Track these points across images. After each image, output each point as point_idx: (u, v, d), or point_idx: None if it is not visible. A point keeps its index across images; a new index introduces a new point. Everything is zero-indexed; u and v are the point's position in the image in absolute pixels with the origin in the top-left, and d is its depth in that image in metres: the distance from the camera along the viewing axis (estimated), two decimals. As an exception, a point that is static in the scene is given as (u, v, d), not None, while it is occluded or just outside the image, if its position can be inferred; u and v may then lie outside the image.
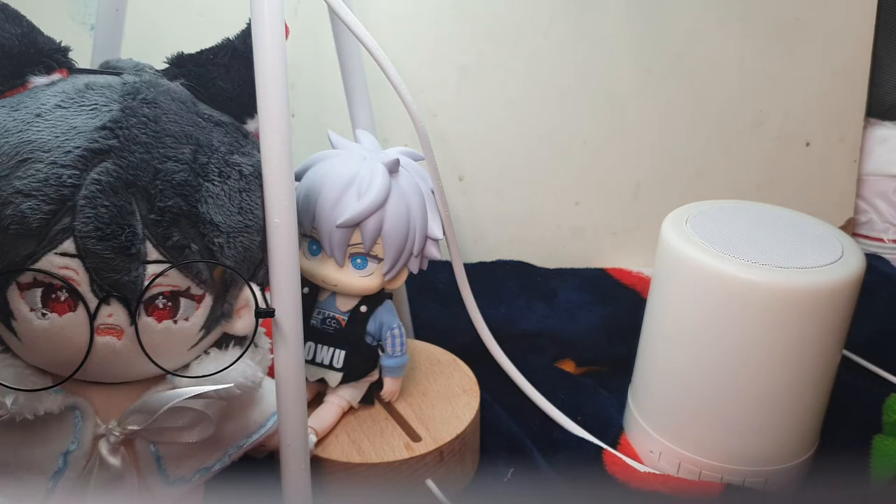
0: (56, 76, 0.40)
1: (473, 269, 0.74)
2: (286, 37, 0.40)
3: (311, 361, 0.54)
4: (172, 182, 0.37)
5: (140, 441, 0.41)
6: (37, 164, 0.35)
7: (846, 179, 0.85)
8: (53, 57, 0.40)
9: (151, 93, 0.39)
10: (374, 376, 0.55)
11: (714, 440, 0.54)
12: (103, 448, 0.40)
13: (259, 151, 0.41)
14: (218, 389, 0.40)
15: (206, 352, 0.42)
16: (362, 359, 0.54)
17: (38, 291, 0.36)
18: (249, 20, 0.40)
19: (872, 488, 0.55)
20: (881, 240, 0.86)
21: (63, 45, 0.41)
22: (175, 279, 0.38)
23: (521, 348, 0.69)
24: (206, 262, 0.39)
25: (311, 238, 0.52)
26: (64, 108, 0.37)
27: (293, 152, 0.41)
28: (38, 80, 0.40)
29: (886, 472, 0.56)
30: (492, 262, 0.78)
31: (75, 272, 0.36)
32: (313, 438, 0.50)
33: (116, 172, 0.36)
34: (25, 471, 0.39)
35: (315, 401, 0.55)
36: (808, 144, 0.82)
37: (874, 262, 0.80)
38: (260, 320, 0.42)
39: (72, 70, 0.41)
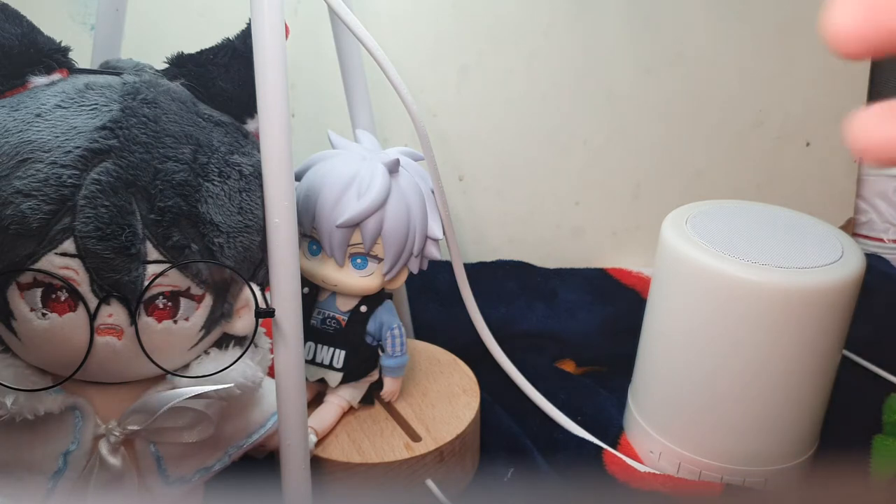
0: (56, 76, 0.40)
1: (473, 269, 0.74)
2: (286, 37, 0.40)
3: (311, 361, 0.54)
4: (172, 182, 0.37)
5: (140, 441, 0.41)
6: (37, 164, 0.35)
7: (846, 179, 0.85)
8: (53, 57, 0.40)
9: (151, 93, 0.39)
10: (374, 376, 0.55)
11: (714, 440, 0.54)
12: (103, 448, 0.40)
13: (259, 151, 0.41)
14: (218, 389, 0.40)
15: (206, 352, 0.42)
16: (362, 359, 0.54)
17: (38, 291, 0.36)
18: (249, 20, 0.40)
19: (872, 488, 0.55)
20: (881, 240, 0.86)
21: (63, 45, 0.41)
22: (175, 279, 0.38)
23: (521, 348, 0.69)
24: (206, 262, 0.39)
25: (311, 238, 0.52)
26: (64, 108, 0.37)
27: (293, 152, 0.41)
28: (38, 80, 0.39)
29: (886, 472, 0.56)
30: (492, 262, 0.78)
31: (75, 272, 0.36)
32: (313, 438, 0.50)
33: (116, 172, 0.36)
34: (25, 471, 0.39)
35: (315, 401, 0.55)
36: (808, 144, 0.82)
37: (874, 262, 0.80)
38: (260, 320, 0.42)
39: (72, 70, 0.41)
